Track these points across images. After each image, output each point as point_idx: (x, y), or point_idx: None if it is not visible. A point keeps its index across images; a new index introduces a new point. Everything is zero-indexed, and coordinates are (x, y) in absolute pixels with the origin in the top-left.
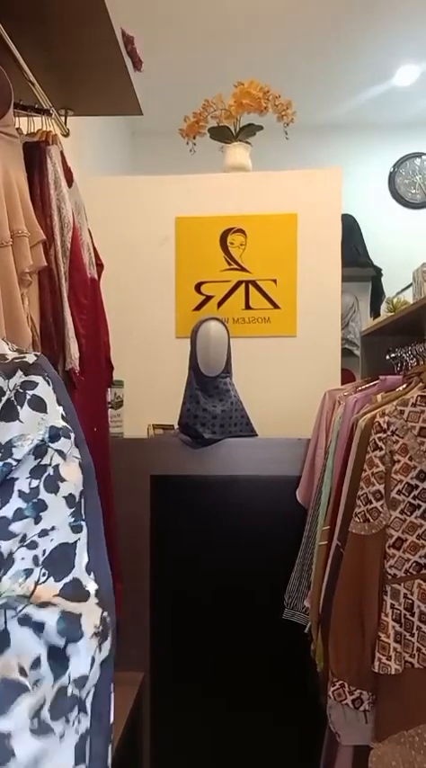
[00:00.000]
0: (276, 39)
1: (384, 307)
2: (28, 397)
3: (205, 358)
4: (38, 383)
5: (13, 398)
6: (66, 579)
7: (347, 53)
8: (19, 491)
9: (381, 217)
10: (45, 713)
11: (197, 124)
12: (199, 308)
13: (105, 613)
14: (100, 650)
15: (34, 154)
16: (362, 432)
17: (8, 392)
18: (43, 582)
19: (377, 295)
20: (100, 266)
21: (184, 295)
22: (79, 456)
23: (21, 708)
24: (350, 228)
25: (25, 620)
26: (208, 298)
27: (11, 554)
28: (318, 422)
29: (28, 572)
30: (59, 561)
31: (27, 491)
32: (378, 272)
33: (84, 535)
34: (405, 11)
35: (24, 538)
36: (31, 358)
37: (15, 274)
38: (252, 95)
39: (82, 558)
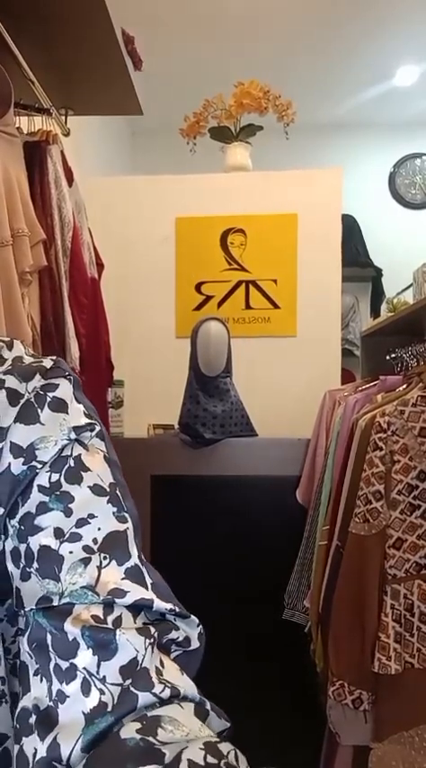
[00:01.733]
0: (276, 39)
1: (384, 307)
2: (48, 399)
3: (205, 358)
4: (58, 384)
5: (32, 400)
6: (128, 564)
7: (347, 53)
8: (38, 485)
9: (381, 217)
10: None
11: (197, 124)
12: (199, 307)
13: (169, 605)
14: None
15: (34, 153)
16: (362, 432)
17: (26, 394)
18: (106, 566)
19: (378, 295)
20: (100, 266)
21: (184, 295)
22: (104, 450)
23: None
24: (351, 229)
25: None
26: (209, 298)
27: (51, 550)
28: (318, 422)
29: (85, 561)
30: (116, 546)
31: (47, 485)
32: (379, 272)
33: (130, 526)
34: (405, 11)
35: (61, 533)
36: (48, 362)
37: (16, 274)
38: (252, 95)
39: (133, 548)
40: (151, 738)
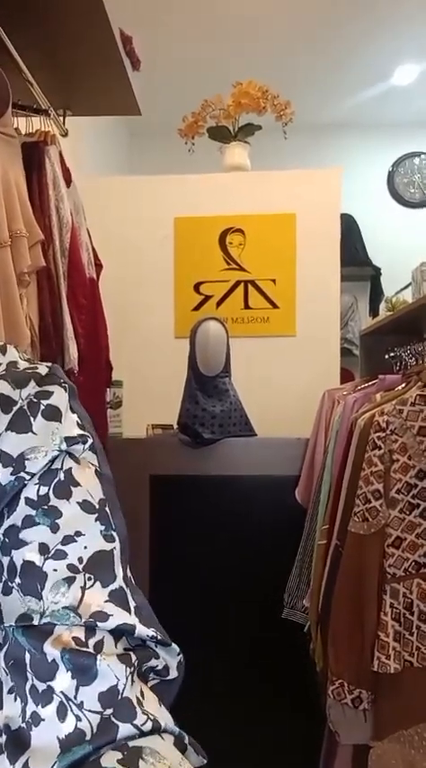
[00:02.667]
0: (275, 38)
1: (383, 306)
2: (42, 407)
3: (204, 358)
4: (53, 392)
5: (26, 408)
6: (113, 586)
7: (346, 52)
8: (26, 498)
9: (380, 216)
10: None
11: (195, 124)
12: (198, 307)
13: (151, 631)
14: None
15: (33, 154)
16: (361, 431)
17: (20, 401)
18: (90, 587)
19: (377, 294)
20: (98, 266)
21: (183, 295)
22: (96, 464)
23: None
24: (350, 228)
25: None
26: (207, 298)
27: (35, 566)
28: (317, 421)
29: (69, 580)
30: (102, 567)
31: (35, 498)
32: (377, 271)
33: (117, 546)
34: (405, 10)
35: (46, 549)
36: (43, 369)
37: (14, 275)
38: (250, 95)
39: (119, 569)
40: None
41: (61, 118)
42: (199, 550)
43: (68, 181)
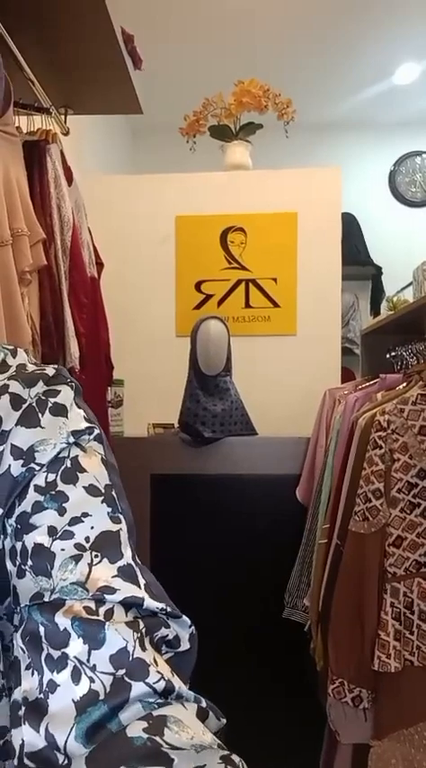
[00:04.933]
0: (276, 37)
1: (384, 305)
2: (50, 404)
3: (205, 357)
4: (60, 391)
5: (34, 405)
6: (120, 563)
7: (347, 51)
8: (35, 485)
9: (381, 215)
10: None
11: (197, 123)
12: (199, 306)
13: (161, 604)
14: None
15: (34, 152)
16: (362, 430)
17: (29, 399)
18: (97, 563)
19: (378, 293)
20: (100, 265)
21: (184, 294)
22: (102, 452)
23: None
24: (351, 227)
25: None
26: (209, 296)
27: (44, 548)
28: (318, 420)
29: (76, 558)
30: (109, 545)
31: (43, 485)
32: (379, 270)
33: (124, 527)
34: (405, 9)
35: (54, 531)
36: (50, 370)
37: (15, 273)
38: (252, 94)
39: (127, 548)
40: (158, 738)
41: (62, 116)
42: (200, 549)
43: (70, 179)
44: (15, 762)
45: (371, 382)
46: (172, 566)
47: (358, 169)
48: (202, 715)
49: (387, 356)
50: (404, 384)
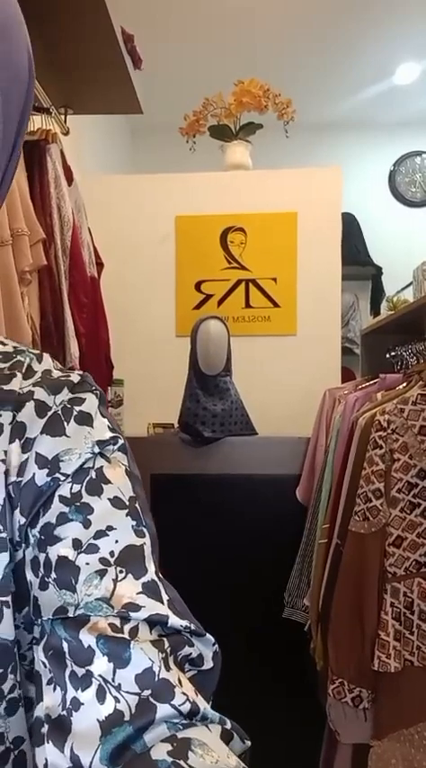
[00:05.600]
0: (276, 37)
1: (384, 305)
2: (75, 412)
3: (205, 357)
4: (85, 399)
5: (60, 413)
6: (145, 579)
7: (347, 51)
8: (59, 496)
9: (381, 215)
10: None
11: (197, 122)
12: (199, 306)
13: (185, 622)
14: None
15: (34, 152)
16: (362, 430)
17: (54, 407)
18: (122, 579)
19: (378, 293)
20: (100, 265)
21: (184, 294)
22: (126, 464)
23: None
24: (351, 227)
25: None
26: (208, 296)
27: (68, 561)
28: (318, 420)
29: (101, 573)
30: (133, 560)
31: (68, 495)
32: (378, 270)
33: (148, 542)
34: (405, 9)
35: (79, 544)
36: (75, 377)
37: (15, 273)
38: (252, 94)
39: (150, 563)
40: (182, 762)
41: (62, 116)
42: (201, 549)
43: (70, 179)
44: None
45: (371, 382)
46: (172, 565)
47: (358, 169)
48: (227, 737)
49: (387, 356)
50: (404, 384)
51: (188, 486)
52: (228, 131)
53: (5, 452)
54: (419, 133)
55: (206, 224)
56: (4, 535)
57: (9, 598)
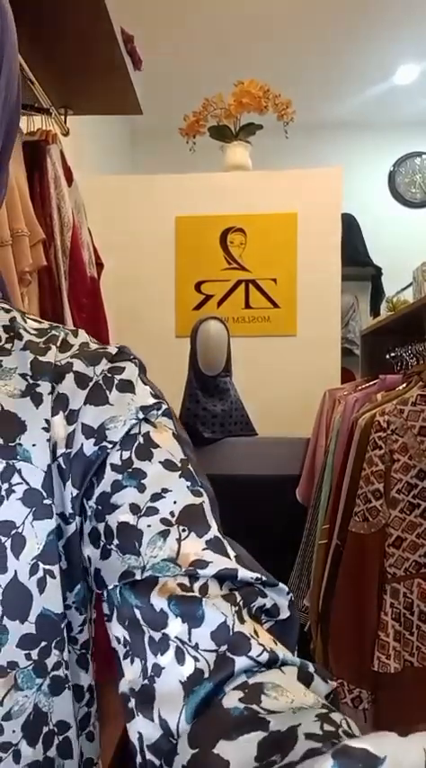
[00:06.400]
0: (276, 38)
1: (384, 306)
2: (116, 381)
3: (205, 357)
4: (124, 367)
5: (101, 382)
6: (208, 536)
7: (347, 52)
8: (111, 464)
9: (381, 216)
10: None
11: (197, 123)
12: (198, 307)
13: (255, 574)
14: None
15: (34, 153)
16: (362, 431)
17: (95, 377)
18: (186, 538)
19: (377, 294)
20: (100, 265)
21: (184, 294)
22: (172, 427)
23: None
24: (350, 227)
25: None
26: (208, 297)
27: (129, 526)
28: (318, 421)
29: (164, 534)
30: (194, 518)
31: (119, 463)
32: (378, 271)
33: (206, 500)
34: (405, 10)
35: (137, 509)
36: (113, 349)
37: (15, 274)
38: (251, 94)
39: (212, 521)
40: (255, 706)
41: (62, 117)
42: None
43: (70, 180)
44: (138, 758)
45: (371, 383)
46: None
47: (358, 170)
48: (305, 677)
49: (387, 357)
50: (404, 385)
51: None
52: (228, 132)
53: (48, 422)
54: (419, 134)
55: (206, 225)
56: (48, 502)
57: (55, 568)
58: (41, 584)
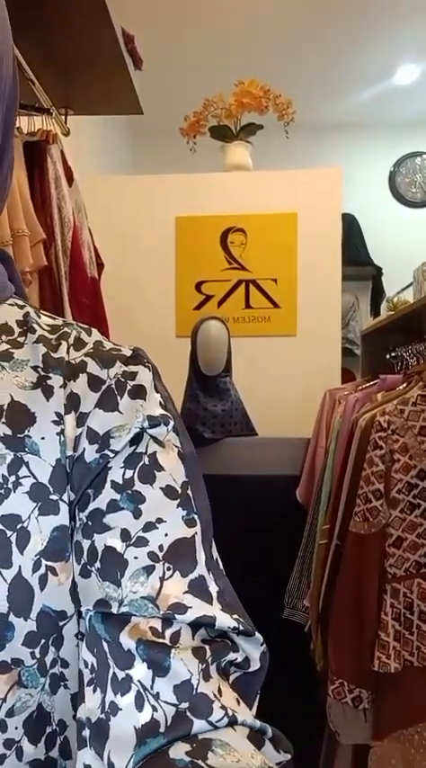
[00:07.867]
0: (276, 38)
1: (384, 306)
2: (129, 386)
3: (205, 357)
4: (138, 372)
5: (113, 387)
6: (192, 576)
7: (347, 52)
8: (111, 482)
9: (381, 216)
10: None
11: (197, 123)
12: (199, 307)
13: (235, 616)
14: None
15: (34, 153)
16: (362, 431)
17: (108, 380)
18: (169, 577)
19: (378, 294)
20: (100, 265)
21: (184, 294)
22: (179, 445)
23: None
24: (351, 227)
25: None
26: (209, 297)
27: (116, 553)
28: (318, 421)
29: (148, 569)
30: (182, 554)
31: (120, 482)
32: (379, 271)
33: (199, 530)
34: (405, 10)
35: (127, 536)
36: (127, 351)
37: None
38: (252, 94)
39: (200, 554)
40: (200, 762)
41: (63, 117)
42: None
43: (70, 180)
44: None
45: (371, 383)
46: None
47: (358, 170)
48: (256, 740)
49: (387, 357)
50: (404, 385)
51: None
52: (229, 132)
53: (59, 416)
54: (419, 134)
55: (206, 224)
56: (54, 497)
57: (58, 565)
58: (43, 581)
